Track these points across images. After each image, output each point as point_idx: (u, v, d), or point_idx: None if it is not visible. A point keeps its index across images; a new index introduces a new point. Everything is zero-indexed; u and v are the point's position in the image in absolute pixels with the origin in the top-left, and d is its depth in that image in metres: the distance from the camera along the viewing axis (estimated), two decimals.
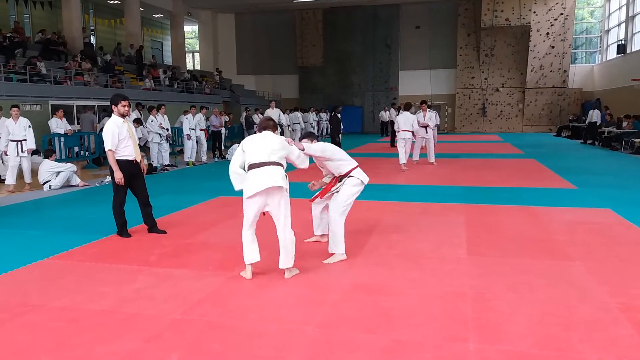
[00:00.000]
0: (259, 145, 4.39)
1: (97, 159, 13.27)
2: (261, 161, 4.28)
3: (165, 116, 12.76)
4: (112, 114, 5.84)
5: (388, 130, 19.79)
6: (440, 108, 26.39)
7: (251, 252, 4.40)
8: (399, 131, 11.70)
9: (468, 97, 28.99)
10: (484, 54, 28.29)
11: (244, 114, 19.35)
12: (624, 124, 17.04)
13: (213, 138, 15.32)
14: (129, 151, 5.78)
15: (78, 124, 15.86)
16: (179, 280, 4.35)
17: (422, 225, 6.26)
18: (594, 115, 19.88)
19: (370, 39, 29.78)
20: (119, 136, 5.67)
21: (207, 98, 22.87)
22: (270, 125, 4.61)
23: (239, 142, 15.59)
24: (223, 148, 15.73)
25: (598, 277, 4.29)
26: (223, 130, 16.11)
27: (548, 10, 26.49)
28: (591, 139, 19.37)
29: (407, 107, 12.06)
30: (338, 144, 10.96)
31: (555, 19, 26.57)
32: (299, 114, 20.96)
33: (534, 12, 26.54)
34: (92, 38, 24.59)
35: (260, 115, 18.36)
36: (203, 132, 14.34)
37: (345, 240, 5.48)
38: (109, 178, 10.36)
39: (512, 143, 19.68)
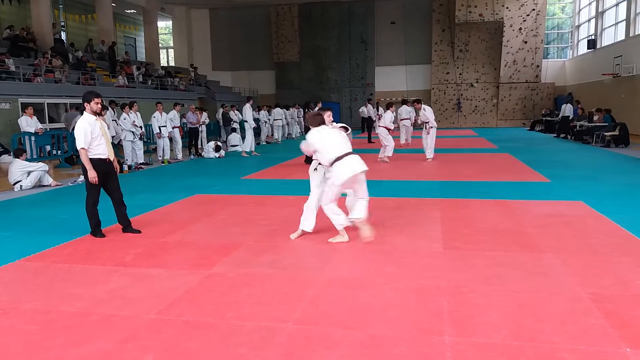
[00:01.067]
0: (334, 140, 5.22)
1: (70, 157, 13.02)
2: (346, 152, 5.16)
3: (139, 113, 12.58)
4: (84, 112, 5.74)
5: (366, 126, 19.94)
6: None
7: (342, 218, 5.33)
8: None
9: (443, 92, 29.27)
10: (459, 49, 28.57)
11: (221, 110, 19.20)
12: (595, 117, 17.41)
13: (189, 135, 15.16)
14: (102, 149, 5.68)
15: (57, 121, 15.57)
16: (154, 279, 4.30)
17: (399, 220, 6.30)
18: (567, 110, 20.29)
19: (346, 35, 29.82)
20: (92, 134, 5.57)
21: (182, 95, 22.63)
22: (320, 120, 5.37)
23: (215, 139, 15.46)
24: (200, 145, 15.58)
25: (570, 268, 4.38)
26: (204, 127, 15.97)
27: (520, 5, 26.87)
28: (564, 133, 19.74)
29: (388, 106, 12.77)
30: None
31: (528, 15, 26.97)
32: (280, 110, 20.87)
33: (507, 8, 26.89)
34: (62, 34, 24.11)
35: (237, 112, 18.18)
36: (177, 129, 14.17)
37: (323, 236, 5.52)
38: (82, 177, 10.17)
39: (486, 138, 19.94)
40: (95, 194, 5.72)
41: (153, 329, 3.36)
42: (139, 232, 5.88)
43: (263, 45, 30.92)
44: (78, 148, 5.61)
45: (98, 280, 4.32)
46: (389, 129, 12.38)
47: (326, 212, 5.34)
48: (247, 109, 15.63)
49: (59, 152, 12.91)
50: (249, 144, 15.42)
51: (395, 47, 29.73)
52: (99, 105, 5.75)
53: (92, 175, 5.56)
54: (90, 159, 5.59)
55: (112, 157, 5.82)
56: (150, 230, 6.00)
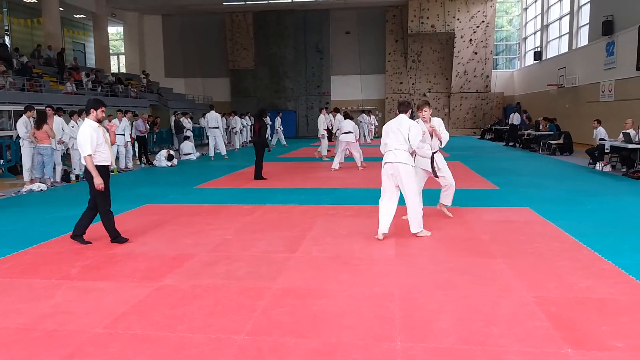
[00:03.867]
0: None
1: (14, 167, 12.48)
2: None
3: None
4: (86, 118, 5.65)
5: None
6: (371, 113, 26.93)
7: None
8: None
9: (397, 101, 29.68)
10: (411, 59, 29.17)
11: (173, 117, 18.88)
12: (541, 126, 18.08)
13: (139, 143, 14.82)
14: (105, 156, 5.66)
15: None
16: (101, 293, 4.16)
17: (354, 228, 6.34)
18: (515, 119, 20.99)
19: (301, 44, 29.95)
20: (97, 140, 5.53)
21: (133, 102, 22.13)
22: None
23: (167, 147, 15.18)
24: (150, 154, 15.26)
25: (517, 272, 4.51)
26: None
27: (470, 17, 27.70)
28: (512, 141, 20.41)
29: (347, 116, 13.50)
30: (261, 151, 11.07)
31: (478, 26, 27.83)
32: (238, 118, 21.14)
33: (458, 20, 27.67)
34: (6, 39, 23.18)
35: (190, 120, 17.99)
36: (109, 137, 13.79)
37: (277, 245, 5.48)
38: (26, 187, 9.78)
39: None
40: (107, 199, 5.63)
41: (99, 344, 3.24)
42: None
43: (217, 52, 30.67)
44: (84, 155, 5.50)
45: (41, 294, 4.14)
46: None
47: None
48: (217, 116, 16.71)
49: (2, 161, 12.35)
50: (224, 147, 16.79)
51: (350, 57, 30.09)
52: (104, 114, 5.80)
53: (99, 181, 5.47)
54: (96, 165, 5.52)
55: (113, 163, 5.85)
56: (99, 241, 5.79)
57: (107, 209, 5.67)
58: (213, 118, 16.66)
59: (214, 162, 15.40)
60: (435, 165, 6.49)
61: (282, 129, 22.25)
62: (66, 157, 12.04)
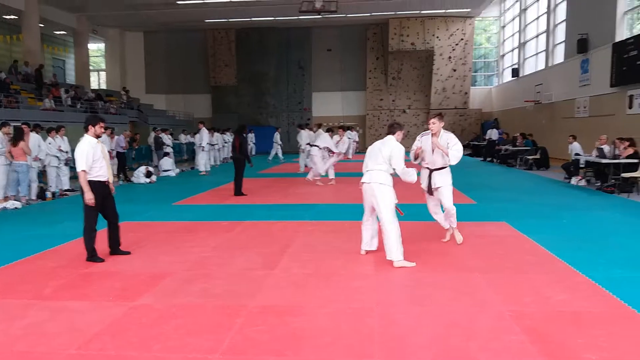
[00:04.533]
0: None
1: None
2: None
3: (65, 138, 12.05)
4: (86, 134, 5.66)
5: None
6: (352, 129, 27.11)
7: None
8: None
9: (377, 118, 30.01)
10: (392, 76, 29.50)
11: (153, 134, 18.75)
12: (517, 142, 18.37)
13: (118, 160, 14.68)
14: (103, 172, 5.67)
15: None
16: (75, 313, 4.07)
17: (333, 244, 6.34)
18: (492, 134, 21.28)
19: (283, 61, 30.13)
20: (94, 157, 5.54)
21: (113, 118, 21.94)
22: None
23: (146, 164, 14.93)
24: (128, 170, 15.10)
25: (494, 287, 4.55)
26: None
27: (450, 35, 28.16)
28: (490, 157, 20.66)
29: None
30: (241, 167, 11.03)
31: (457, 44, 28.29)
32: (218, 134, 21.14)
33: (437, 37, 28.10)
34: None
35: (170, 137, 17.96)
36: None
37: (256, 262, 5.44)
38: (1, 205, 9.59)
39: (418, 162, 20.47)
40: (94, 217, 5.63)
41: None
42: (129, 253, 5.86)
43: (199, 68, 30.69)
44: (78, 170, 5.50)
45: (13, 315, 4.04)
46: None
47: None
48: (205, 132, 17.07)
49: None
50: (203, 163, 16.88)
51: (331, 74, 30.37)
52: (103, 130, 5.82)
53: (89, 197, 5.47)
54: (92, 181, 5.53)
55: (111, 179, 5.82)
56: (74, 260, 5.70)
57: (91, 228, 5.63)
58: (207, 135, 17.28)
59: (194, 178, 15.30)
60: (433, 183, 6.28)
61: (281, 143, 23.26)
62: (43, 175, 11.85)
